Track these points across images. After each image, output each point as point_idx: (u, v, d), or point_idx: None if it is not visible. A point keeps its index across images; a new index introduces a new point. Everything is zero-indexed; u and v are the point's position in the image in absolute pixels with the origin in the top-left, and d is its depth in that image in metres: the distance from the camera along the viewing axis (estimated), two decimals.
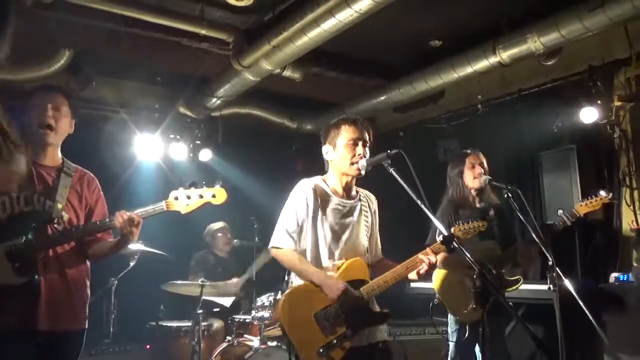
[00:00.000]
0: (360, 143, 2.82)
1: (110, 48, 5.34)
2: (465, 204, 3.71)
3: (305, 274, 2.75)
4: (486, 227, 3.04)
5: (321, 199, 2.83)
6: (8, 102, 5.03)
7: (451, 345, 3.61)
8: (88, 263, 2.81)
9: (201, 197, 2.62)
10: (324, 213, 2.81)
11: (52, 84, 3.20)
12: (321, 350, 2.60)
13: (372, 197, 3.06)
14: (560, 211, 3.72)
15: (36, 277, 2.51)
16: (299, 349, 2.66)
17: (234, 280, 5.06)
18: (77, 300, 2.70)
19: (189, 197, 2.61)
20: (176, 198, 2.60)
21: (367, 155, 2.82)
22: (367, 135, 2.87)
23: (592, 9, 3.97)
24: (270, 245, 2.84)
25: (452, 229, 2.98)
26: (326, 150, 2.91)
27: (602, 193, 3.69)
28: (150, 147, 5.79)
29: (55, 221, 2.61)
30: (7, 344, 2.47)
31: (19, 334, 2.49)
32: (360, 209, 2.92)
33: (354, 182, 2.93)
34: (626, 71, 4.73)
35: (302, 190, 2.83)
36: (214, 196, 2.63)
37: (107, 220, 2.62)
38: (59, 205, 2.65)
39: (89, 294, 2.80)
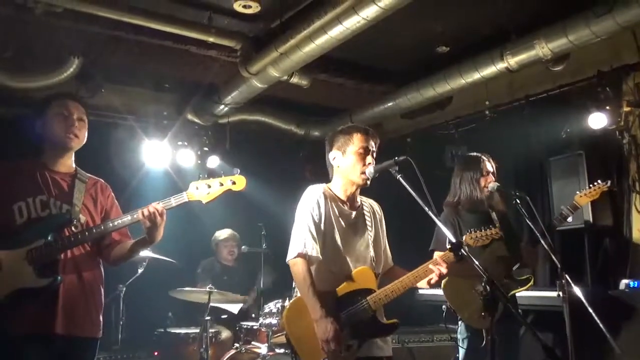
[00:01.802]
0: (370, 152, 2.83)
1: (119, 56, 5.38)
2: (471, 208, 3.68)
3: (307, 300, 2.66)
4: (499, 235, 3.03)
5: (330, 206, 2.81)
6: (22, 110, 5.18)
7: (461, 352, 3.58)
8: (102, 270, 2.84)
9: (221, 184, 2.63)
10: (332, 221, 2.79)
11: (69, 92, 3.27)
12: None
13: (376, 205, 3.04)
14: (562, 207, 3.71)
15: (58, 278, 2.54)
16: (303, 359, 2.64)
17: (241, 297, 5.05)
18: (93, 305, 2.72)
19: (209, 186, 2.62)
20: (197, 188, 2.62)
21: (374, 163, 2.82)
22: (375, 146, 2.87)
23: (600, 14, 3.95)
24: (288, 257, 2.74)
25: (464, 237, 2.96)
26: (334, 156, 2.89)
27: (600, 182, 3.69)
28: (159, 154, 5.82)
29: (73, 223, 2.65)
30: (22, 349, 2.49)
31: (35, 339, 2.50)
32: (364, 219, 2.90)
33: (358, 191, 2.91)
34: (635, 76, 4.70)
35: (314, 195, 2.81)
36: (234, 183, 2.64)
37: (129, 216, 2.64)
38: (76, 208, 2.68)
39: (103, 302, 2.82)
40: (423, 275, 2.73)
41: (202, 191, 2.62)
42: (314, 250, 2.70)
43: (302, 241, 2.71)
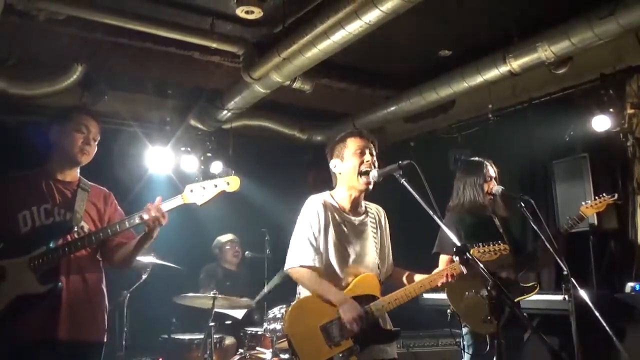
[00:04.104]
0: (367, 151, 2.83)
1: (122, 62, 5.39)
2: (474, 214, 3.66)
3: (324, 293, 2.70)
4: (508, 251, 3.02)
5: (331, 215, 2.81)
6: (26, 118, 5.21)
7: (466, 358, 3.55)
8: (103, 273, 2.86)
9: (216, 186, 2.65)
10: (334, 229, 2.80)
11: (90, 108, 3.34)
12: None
13: (381, 210, 3.04)
14: (567, 217, 3.69)
15: (59, 283, 2.57)
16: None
17: (245, 299, 5.05)
18: (98, 309, 2.76)
19: (204, 188, 2.65)
20: (191, 191, 2.65)
21: (376, 164, 2.82)
22: (372, 145, 2.88)
23: (602, 16, 3.94)
24: (287, 266, 2.80)
25: (471, 251, 2.95)
26: (334, 164, 2.91)
27: (605, 194, 3.70)
28: (162, 160, 5.82)
29: (75, 229, 2.67)
30: (27, 355, 2.51)
31: (38, 345, 2.53)
32: (369, 225, 2.90)
33: (362, 196, 2.91)
34: (638, 78, 4.69)
35: (313, 206, 2.82)
36: (228, 184, 2.66)
37: (126, 223, 2.67)
38: (78, 215, 2.72)
39: (107, 305, 2.85)
40: (427, 286, 2.75)
41: (197, 193, 2.64)
42: (314, 261, 2.74)
43: (301, 252, 2.76)
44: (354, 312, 2.61)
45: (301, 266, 2.75)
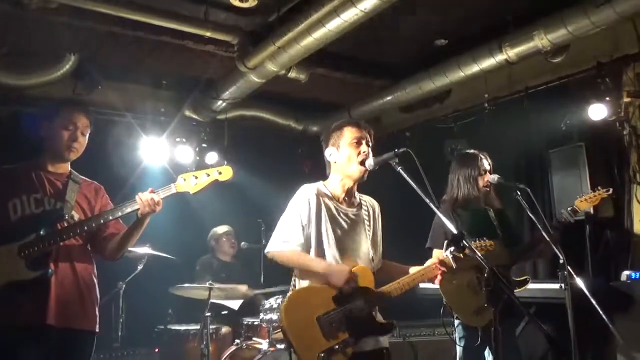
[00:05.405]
0: (363, 142, 2.82)
1: (116, 52, 5.35)
2: (468, 206, 3.64)
3: (308, 266, 2.72)
4: (493, 247, 3.02)
5: (324, 205, 2.80)
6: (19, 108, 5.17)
7: (459, 350, 3.56)
8: (95, 265, 2.86)
9: (208, 175, 2.70)
10: (327, 220, 2.78)
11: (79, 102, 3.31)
12: (322, 355, 2.56)
13: (375, 203, 3.03)
14: (562, 210, 3.69)
15: (49, 270, 2.58)
16: (299, 352, 2.62)
17: (244, 287, 5.03)
18: (88, 299, 2.75)
19: (196, 177, 2.69)
20: (184, 180, 2.69)
21: (371, 155, 2.80)
22: (369, 136, 2.87)
23: (599, 4, 3.92)
24: (268, 249, 2.80)
25: None
26: (329, 152, 2.88)
27: (600, 188, 3.68)
28: (157, 151, 5.78)
29: (66, 218, 2.68)
30: (17, 341, 2.51)
31: (28, 331, 2.53)
32: (363, 216, 2.89)
33: (355, 186, 2.90)
34: (635, 67, 4.67)
35: (305, 195, 2.80)
36: (220, 173, 2.70)
37: (119, 211, 2.68)
38: (69, 205, 2.73)
39: (99, 296, 2.84)
40: (421, 279, 2.75)
41: (190, 182, 2.68)
42: (298, 246, 2.74)
43: (284, 236, 2.76)
44: (343, 276, 2.62)
45: (281, 250, 2.75)
